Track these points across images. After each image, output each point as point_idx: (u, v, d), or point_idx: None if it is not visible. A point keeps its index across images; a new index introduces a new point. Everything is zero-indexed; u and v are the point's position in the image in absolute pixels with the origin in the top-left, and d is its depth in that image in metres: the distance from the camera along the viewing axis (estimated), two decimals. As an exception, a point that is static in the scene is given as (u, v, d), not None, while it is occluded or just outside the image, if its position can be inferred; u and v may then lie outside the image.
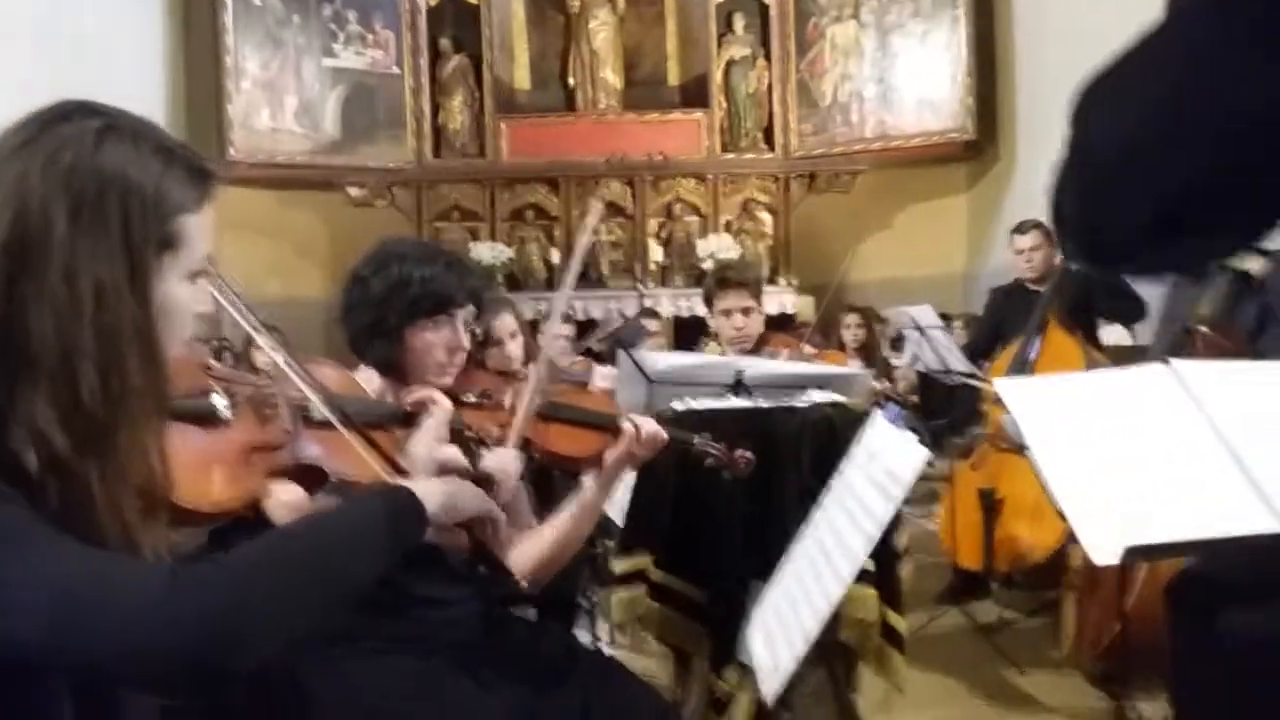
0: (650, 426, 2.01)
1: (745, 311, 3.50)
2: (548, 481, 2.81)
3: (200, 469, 1.22)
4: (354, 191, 8.73)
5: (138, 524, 1.03)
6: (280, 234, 9.05)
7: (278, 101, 8.69)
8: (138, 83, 7.87)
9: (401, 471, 1.43)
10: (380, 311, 1.97)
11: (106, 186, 1.02)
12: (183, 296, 1.10)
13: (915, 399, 4.87)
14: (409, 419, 1.66)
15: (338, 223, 8.88)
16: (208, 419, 1.27)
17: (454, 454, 1.45)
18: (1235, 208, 0.78)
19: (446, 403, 1.68)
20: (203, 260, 1.11)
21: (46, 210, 1.00)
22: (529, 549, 2.10)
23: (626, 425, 2.00)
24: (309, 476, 1.40)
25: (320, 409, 1.37)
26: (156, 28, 8.38)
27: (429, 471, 1.53)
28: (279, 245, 9.04)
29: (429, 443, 1.61)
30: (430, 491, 1.24)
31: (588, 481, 2.08)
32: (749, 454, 2.06)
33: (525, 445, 1.99)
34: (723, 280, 3.62)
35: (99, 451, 1.00)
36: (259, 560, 1.04)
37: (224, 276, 1.25)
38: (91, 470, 1.00)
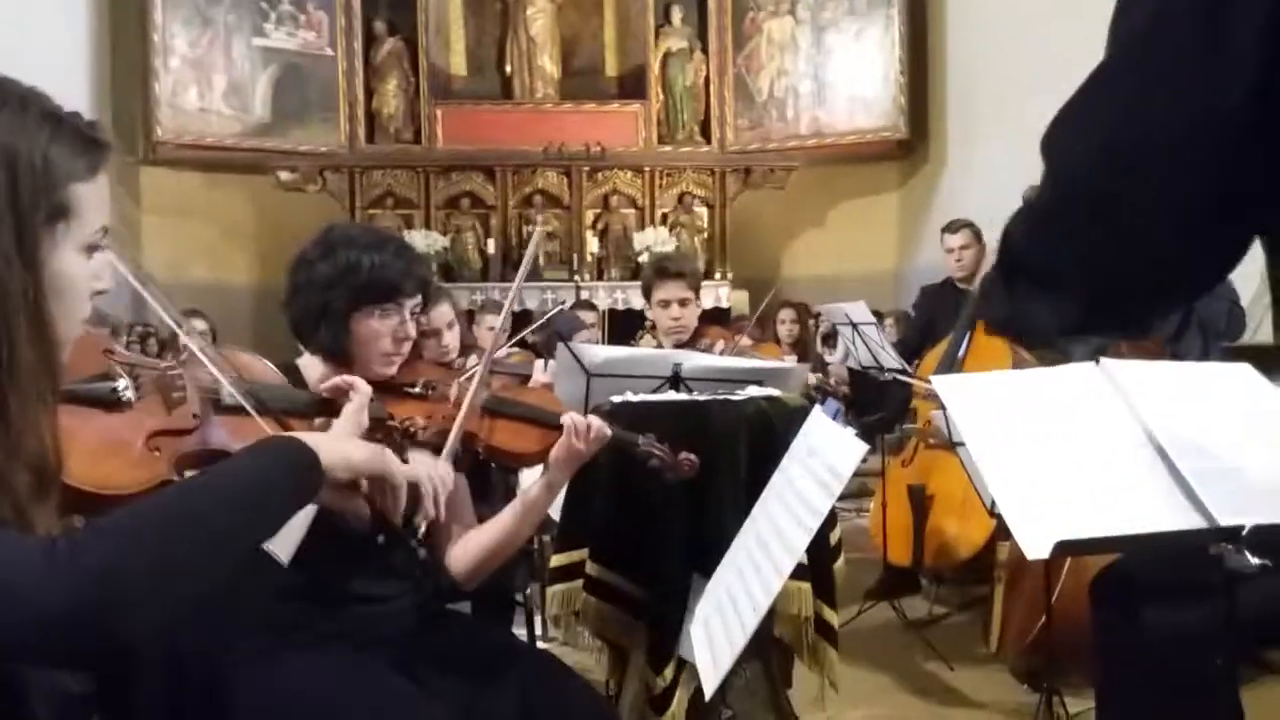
0: (595, 423, 1.99)
1: (682, 303, 3.51)
2: (484, 477, 2.78)
3: (103, 453, 1.20)
4: (284, 175, 8.57)
5: (30, 502, 1.01)
6: (208, 217, 8.85)
7: (206, 81, 8.49)
8: (61, 57, 7.61)
9: None
10: (326, 297, 1.94)
11: None
12: (77, 271, 1.06)
13: (846, 393, 4.91)
14: (326, 406, 1.63)
15: (267, 207, 8.71)
16: (110, 403, 1.25)
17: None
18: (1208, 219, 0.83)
19: (366, 388, 1.65)
20: (97, 233, 1.08)
21: None
22: (470, 545, 2.07)
23: (567, 420, 1.98)
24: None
25: (232, 394, 1.33)
26: (82, 1, 8.11)
27: None
28: (206, 228, 8.84)
29: (348, 429, 1.58)
30: (328, 447, 1.18)
31: (532, 484, 2.05)
32: (693, 456, 2.05)
33: (468, 440, 1.97)
34: (661, 270, 3.62)
35: None
36: (140, 519, 1.01)
37: (126, 255, 1.22)
38: None
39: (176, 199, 8.72)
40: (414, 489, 1.32)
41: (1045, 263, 0.95)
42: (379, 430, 1.68)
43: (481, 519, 2.16)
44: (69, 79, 7.69)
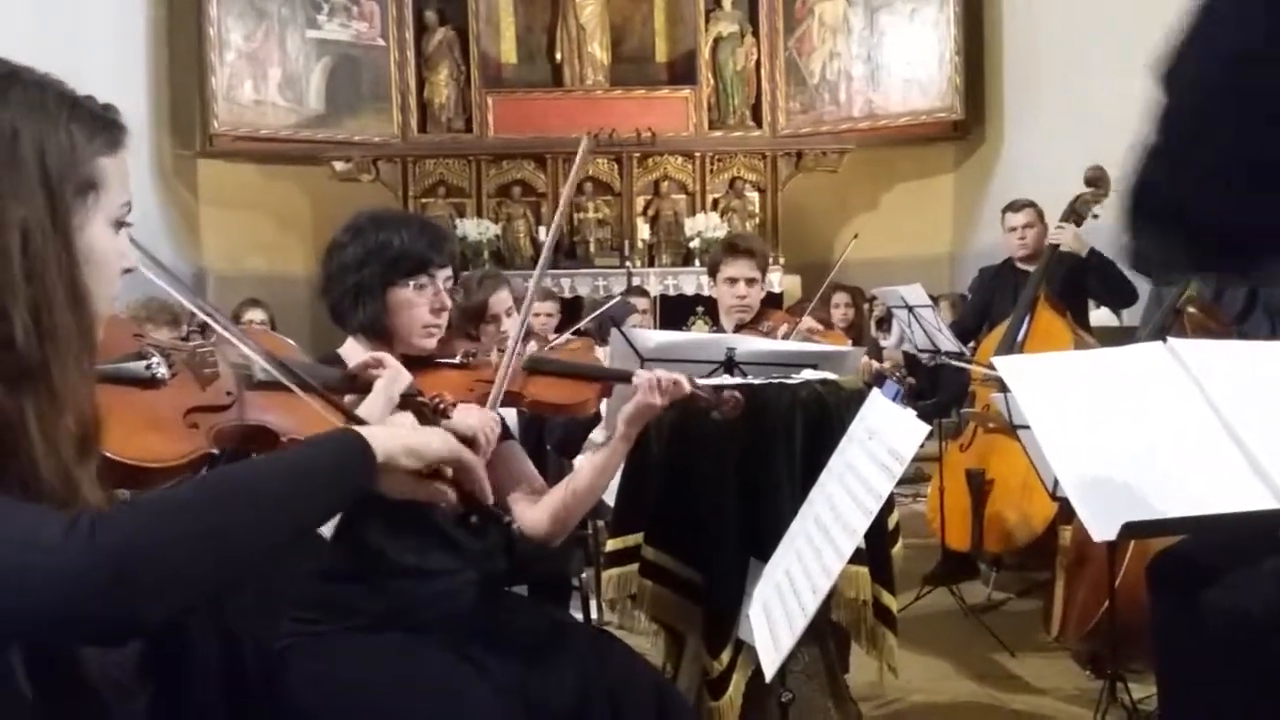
0: (664, 372, 2.00)
1: (749, 282, 3.50)
2: (539, 458, 2.79)
3: (143, 427, 1.22)
4: (338, 166, 8.65)
5: (74, 463, 1.03)
6: (264, 208, 8.97)
7: (261, 74, 8.58)
8: (119, 54, 7.76)
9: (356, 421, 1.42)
10: (360, 275, 1.98)
11: (19, 130, 1.02)
12: (106, 243, 1.09)
13: (907, 377, 4.86)
14: (355, 383, 1.65)
15: (322, 198, 8.80)
16: (145, 381, 1.27)
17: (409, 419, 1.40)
18: None
19: (397, 366, 1.67)
20: (123, 208, 1.11)
21: None
22: (548, 504, 2.08)
23: (639, 374, 1.99)
24: (259, 438, 1.40)
25: (265, 369, 1.34)
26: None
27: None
28: (263, 220, 8.96)
29: (380, 406, 1.60)
30: (384, 435, 1.16)
31: (605, 439, 2.07)
32: (737, 394, 2.06)
33: (512, 398, 1.98)
34: (731, 247, 3.61)
35: (34, 390, 1.00)
36: (169, 499, 1.02)
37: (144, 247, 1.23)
38: (27, 408, 0.99)
39: (234, 191, 8.84)
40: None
41: (1180, 196, 0.91)
42: (409, 406, 1.69)
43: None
44: (127, 75, 7.84)
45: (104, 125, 1.09)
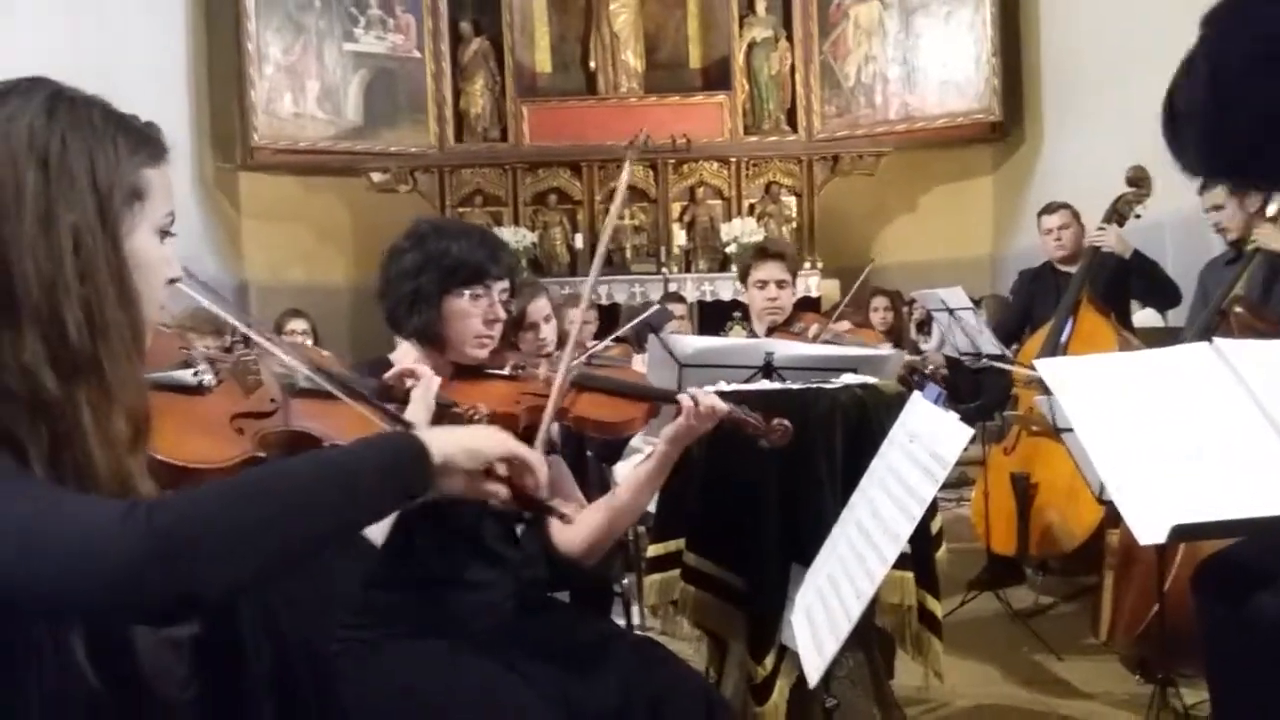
0: (708, 398, 2.00)
1: (779, 284, 3.51)
2: (580, 470, 2.79)
3: (191, 431, 1.26)
4: (376, 177, 8.72)
5: (126, 454, 1.07)
6: (304, 220, 9.06)
7: (300, 87, 8.68)
8: (161, 70, 7.87)
9: (404, 425, 1.46)
10: (418, 282, 2.00)
11: (68, 142, 1.07)
12: (153, 250, 1.13)
13: (946, 376, 4.81)
14: (391, 393, 1.68)
15: (361, 208, 8.88)
16: (191, 389, 1.31)
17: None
18: None
19: (430, 374, 1.68)
20: (167, 217, 1.15)
21: (16, 165, 1.04)
22: (585, 522, 2.08)
23: (684, 398, 1.99)
24: (303, 444, 1.42)
25: (310, 378, 1.36)
26: (179, 14, 8.37)
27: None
28: (303, 231, 9.05)
29: (420, 415, 1.64)
30: (441, 437, 1.18)
31: (644, 458, 2.07)
32: (786, 422, 2.04)
33: (558, 414, 1.99)
34: (760, 251, 3.63)
35: (87, 383, 1.04)
36: (228, 489, 1.04)
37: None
38: (81, 401, 1.03)
39: (274, 203, 8.94)
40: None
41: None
42: (444, 417, 1.73)
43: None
44: (169, 91, 7.95)
45: (146, 140, 1.14)
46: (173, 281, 1.17)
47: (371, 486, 1.10)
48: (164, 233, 1.15)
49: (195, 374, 1.31)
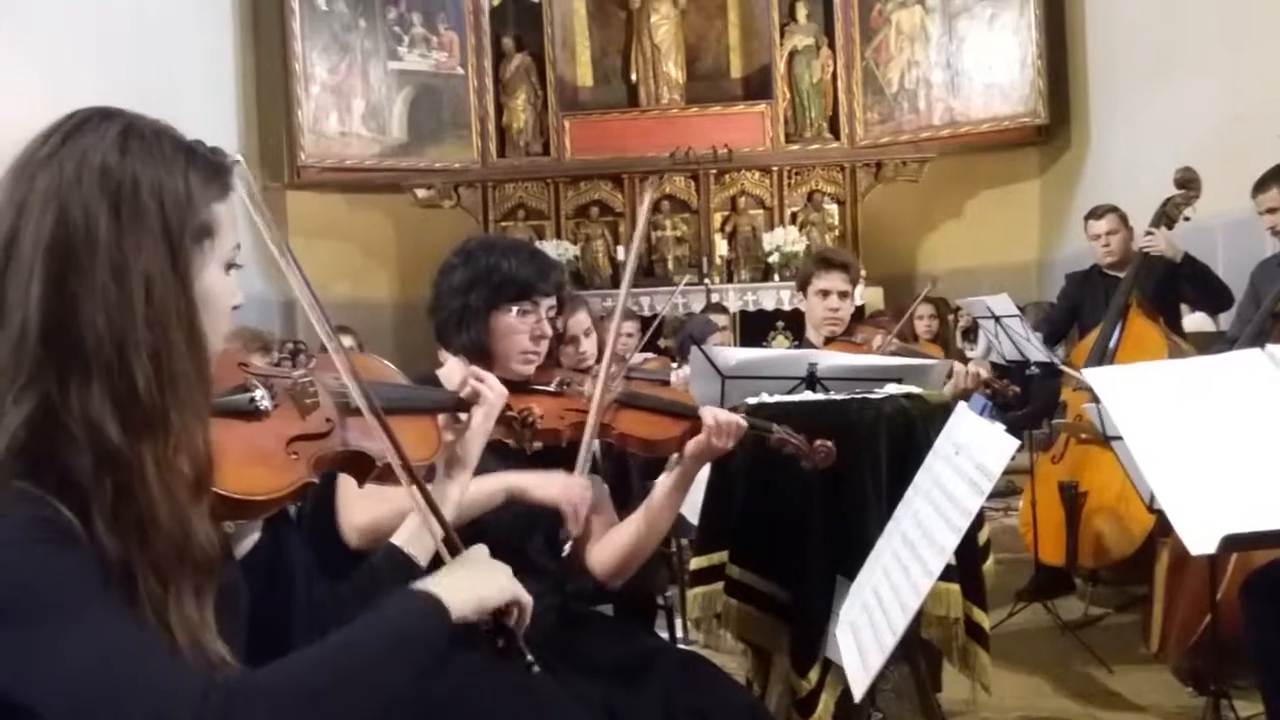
0: (728, 415, 2.01)
1: (842, 295, 3.49)
2: (623, 482, 2.79)
3: (248, 460, 1.24)
4: (421, 193, 8.80)
5: (189, 505, 1.06)
6: (350, 236, 9.16)
7: (345, 105, 8.80)
8: (211, 92, 8.03)
9: (451, 456, 1.55)
10: (467, 298, 2.03)
11: (140, 183, 1.05)
12: (220, 286, 1.14)
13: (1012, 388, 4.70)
14: (460, 405, 1.68)
15: (405, 224, 8.97)
16: (249, 413, 1.29)
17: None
18: None
19: (497, 395, 1.70)
20: (234, 249, 1.15)
21: (88, 211, 1.03)
22: (612, 543, 2.09)
23: (706, 415, 2.00)
24: (357, 463, 1.42)
25: (358, 397, 1.37)
26: (228, 36, 8.52)
27: (475, 458, 1.61)
28: (349, 248, 9.15)
29: (479, 439, 1.65)
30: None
31: (664, 476, 2.07)
32: (829, 443, 2.04)
33: (601, 431, 1.99)
34: (824, 261, 3.61)
35: (152, 436, 1.03)
36: (291, 686, 1.06)
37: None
38: (146, 456, 1.02)
39: (321, 221, 9.05)
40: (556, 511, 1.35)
41: None
42: (500, 421, 1.74)
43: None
44: (218, 113, 8.10)
45: (216, 172, 1.13)
46: (235, 308, 1.18)
47: (415, 658, 1.15)
48: (230, 265, 1.15)
49: (252, 400, 1.30)
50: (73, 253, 1.01)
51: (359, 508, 1.89)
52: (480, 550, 1.35)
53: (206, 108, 7.69)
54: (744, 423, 2.02)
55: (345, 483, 1.87)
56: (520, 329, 2.03)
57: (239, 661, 1.14)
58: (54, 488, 0.99)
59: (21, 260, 1.02)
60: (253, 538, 1.32)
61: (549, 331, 2.07)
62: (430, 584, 1.22)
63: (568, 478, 1.91)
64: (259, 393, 1.31)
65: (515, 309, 2.03)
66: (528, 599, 1.31)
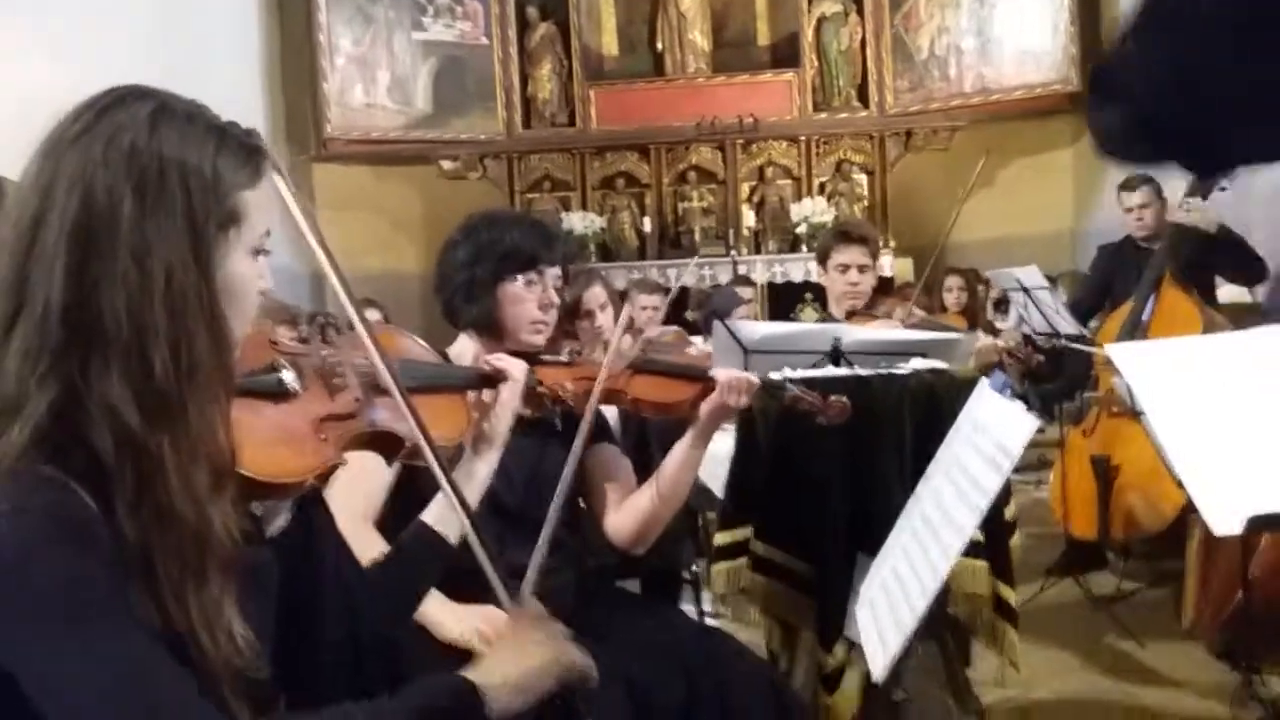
0: (741, 373, 2.01)
1: (861, 269, 3.45)
2: (645, 454, 2.78)
3: (275, 442, 1.24)
4: (447, 164, 8.79)
5: (208, 497, 1.05)
6: (377, 209, 9.17)
7: (371, 77, 8.78)
8: (237, 67, 8.04)
9: (480, 434, 1.57)
10: (473, 271, 2.04)
11: (167, 168, 1.05)
12: (246, 273, 1.13)
13: (1042, 361, 4.63)
14: (487, 381, 1.69)
15: (432, 196, 8.96)
16: (278, 393, 1.29)
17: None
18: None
19: (521, 369, 1.69)
20: (263, 236, 1.14)
21: (112, 194, 1.02)
22: (630, 510, 2.08)
23: (719, 373, 1.99)
24: (385, 443, 1.42)
25: (386, 379, 1.35)
26: (252, 9, 8.52)
27: (504, 435, 1.61)
28: (377, 220, 9.16)
29: (510, 406, 1.66)
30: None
31: (680, 440, 2.06)
32: (844, 399, 2.02)
33: (614, 396, 1.99)
34: (842, 234, 3.56)
35: (171, 425, 1.03)
36: None
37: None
38: (164, 444, 1.02)
39: (348, 193, 9.06)
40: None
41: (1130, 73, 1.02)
42: (529, 399, 1.75)
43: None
44: (245, 87, 8.12)
45: (249, 155, 1.12)
46: (262, 293, 1.17)
47: None
48: (259, 250, 1.14)
49: (281, 381, 1.30)
50: (95, 236, 1.01)
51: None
52: (530, 616, 1.34)
53: (233, 81, 7.69)
54: (756, 379, 2.01)
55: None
56: (528, 298, 2.04)
57: (266, 642, 1.14)
58: (77, 473, 0.99)
59: (46, 242, 1.02)
60: (284, 517, 1.31)
61: (556, 300, 2.07)
62: (475, 674, 1.21)
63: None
64: (287, 374, 1.31)
65: (521, 279, 2.03)
66: (584, 663, 1.30)
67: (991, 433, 1.57)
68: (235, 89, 7.61)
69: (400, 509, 1.84)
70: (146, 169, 1.03)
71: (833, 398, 2.02)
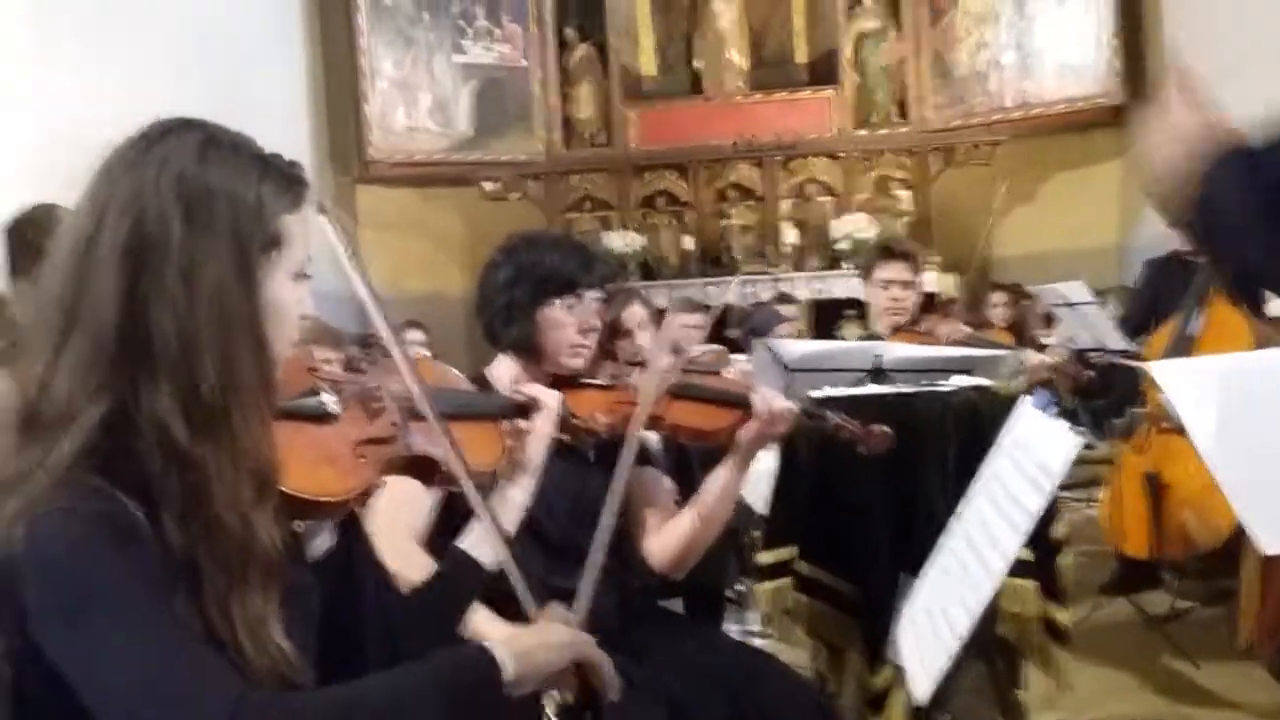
0: (779, 401, 1.98)
1: (905, 285, 3.44)
2: (688, 474, 2.77)
3: (317, 462, 1.27)
4: (488, 186, 8.85)
5: (252, 507, 1.09)
6: (421, 230, 9.24)
7: (412, 100, 8.87)
8: (281, 91, 8.15)
9: (514, 462, 1.59)
10: (512, 294, 2.04)
11: (214, 193, 1.10)
12: (288, 296, 1.17)
13: (1092, 376, 4.56)
14: (520, 410, 1.70)
15: (474, 217, 9.02)
16: (318, 416, 1.33)
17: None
18: None
19: (555, 401, 1.69)
20: (304, 260, 1.18)
21: (162, 218, 1.07)
22: (670, 535, 2.07)
23: (757, 401, 1.97)
24: (422, 467, 1.45)
25: (423, 404, 1.37)
26: (296, 35, 8.64)
27: (538, 463, 1.62)
28: (420, 241, 9.24)
29: (544, 435, 1.66)
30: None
31: (718, 467, 2.05)
32: (886, 428, 2.00)
33: (654, 422, 1.98)
34: (886, 251, 3.56)
35: (216, 438, 1.07)
36: (328, 713, 1.07)
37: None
38: (209, 456, 1.06)
39: (391, 215, 9.14)
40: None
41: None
42: (564, 428, 1.76)
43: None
44: (289, 111, 8.22)
45: (290, 183, 1.17)
46: (304, 319, 1.21)
47: (460, 710, 1.13)
48: (300, 275, 1.18)
49: (321, 403, 1.34)
50: (146, 256, 1.06)
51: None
52: (554, 617, 1.33)
53: (276, 106, 7.80)
54: (795, 407, 1.99)
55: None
56: (567, 322, 2.03)
57: (308, 664, 1.15)
58: (125, 485, 1.03)
59: (99, 260, 1.06)
60: (324, 539, 1.33)
61: (596, 323, 2.06)
62: (494, 644, 1.21)
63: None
64: (327, 397, 1.35)
65: (560, 302, 2.03)
66: (598, 656, 1.29)
67: (1033, 451, 1.54)
68: (279, 113, 7.72)
69: (444, 534, 1.84)
70: (194, 194, 1.08)
71: (875, 427, 2.00)
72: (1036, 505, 1.45)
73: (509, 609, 1.48)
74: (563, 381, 2.03)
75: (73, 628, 0.99)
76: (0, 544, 1.00)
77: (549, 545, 1.95)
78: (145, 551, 1.02)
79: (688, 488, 2.53)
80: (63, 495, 1.01)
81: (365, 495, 1.34)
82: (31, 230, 3.21)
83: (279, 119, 7.68)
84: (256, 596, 1.08)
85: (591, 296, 2.06)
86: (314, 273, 1.21)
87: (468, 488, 1.37)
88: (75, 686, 1.00)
